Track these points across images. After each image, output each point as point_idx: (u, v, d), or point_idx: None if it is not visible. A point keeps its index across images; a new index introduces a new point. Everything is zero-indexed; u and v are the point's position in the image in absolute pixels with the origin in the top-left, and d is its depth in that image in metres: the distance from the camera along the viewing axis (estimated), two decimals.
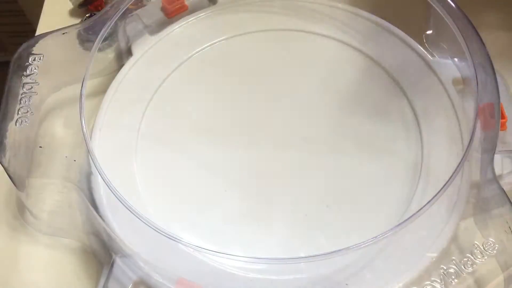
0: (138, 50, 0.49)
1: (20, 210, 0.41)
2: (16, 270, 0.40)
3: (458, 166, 0.37)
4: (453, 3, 0.44)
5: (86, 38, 0.46)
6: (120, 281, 0.36)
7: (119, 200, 0.35)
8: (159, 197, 0.40)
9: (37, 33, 0.53)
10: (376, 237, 0.34)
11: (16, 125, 0.39)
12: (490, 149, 0.40)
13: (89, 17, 0.53)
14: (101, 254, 0.39)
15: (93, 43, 0.43)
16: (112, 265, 0.36)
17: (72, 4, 0.55)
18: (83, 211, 0.38)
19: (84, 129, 0.37)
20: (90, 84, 0.48)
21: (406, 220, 0.35)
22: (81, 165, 0.40)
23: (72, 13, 0.55)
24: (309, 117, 0.45)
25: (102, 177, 0.36)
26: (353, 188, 0.41)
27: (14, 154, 0.38)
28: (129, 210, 0.34)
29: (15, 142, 0.39)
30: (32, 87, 0.41)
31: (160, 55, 0.49)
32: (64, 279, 0.39)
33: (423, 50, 0.48)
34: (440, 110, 0.44)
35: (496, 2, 0.54)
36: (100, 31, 0.44)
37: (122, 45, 0.50)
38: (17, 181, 0.38)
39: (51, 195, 0.39)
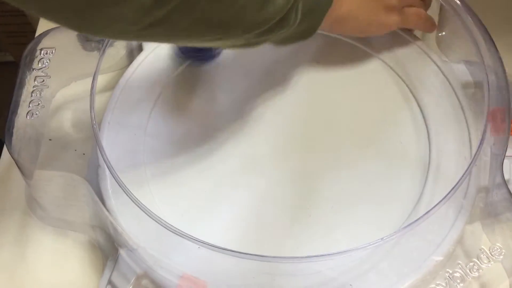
0: (149, 45, 0.49)
1: (29, 203, 0.42)
2: (24, 261, 0.40)
3: (466, 171, 0.37)
4: (465, 6, 0.43)
5: (86, 38, 0.46)
6: (124, 274, 0.36)
7: (126, 194, 0.35)
8: (167, 192, 0.40)
9: (37, 33, 0.53)
10: (380, 239, 0.34)
11: (27, 117, 0.40)
12: (499, 154, 0.39)
13: None
14: (107, 247, 0.39)
15: (93, 43, 0.44)
16: (117, 258, 0.37)
17: None
18: (90, 204, 0.38)
19: (94, 123, 0.38)
20: (101, 79, 0.48)
21: (410, 224, 0.35)
22: (90, 159, 0.40)
23: None
24: (318, 116, 0.45)
25: (109, 170, 0.36)
26: (360, 189, 0.41)
27: (24, 146, 0.39)
28: (135, 203, 0.35)
29: (25, 134, 0.39)
30: (43, 80, 0.41)
31: (171, 50, 0.49)
32: (70, 271, 0.39)
33: (435, 53, 0.48)
34: (449, 113, 0.44)
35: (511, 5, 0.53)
36: None
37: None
38: (26, 173, 0.38)
39: (59, 188, 0.40)
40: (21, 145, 0.38)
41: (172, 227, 0.33)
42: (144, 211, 0.34)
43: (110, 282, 0.36)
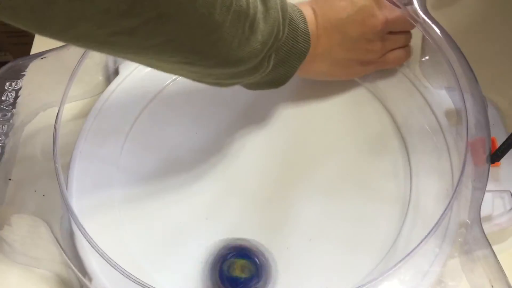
0: (125, 69, 0.48)
1: None
2: None
3: (445, 210, 0.36)
4: (443, 33, 0.42)
5: None
6: None
7: (89, 242, 0.34)
8: (137, 230, 0.39)
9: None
10: None
11: None
12: (480, 188, 0.38)
13: None
14: (74, 284, 0.38)
15: None
16: None
17: None
18: (55, 243, 0.37)
19: (57, 164, 0.36)
20: (76, 105, 0.47)
21: (385, 272, 0.34)
22: (51, 199, 0.39)
23: None
24: (296, 146, 0.44)
25: (73, 219, 0.35)
26: (338, 227, 0.39)
27: None
28: (100, 255, 0.33)
29: None
30: (6, 114, 0.40)
31: (146, 75, 0.48)
32: None
33: (418, 79, 0.46)
34: (431, 143, 0.43)
35: (490, 32, 0.52)
36: None
37: (110, 65, 0.50)
38: None
39: (23, 228, 0.38)
40: None
41: (135, 278, 0.32)
42: (108, 262, 0.32)
43: None
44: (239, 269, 0.37)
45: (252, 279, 0.36)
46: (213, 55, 0.32)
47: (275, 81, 0.39)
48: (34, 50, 0.49)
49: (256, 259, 0.37)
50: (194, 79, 0.37)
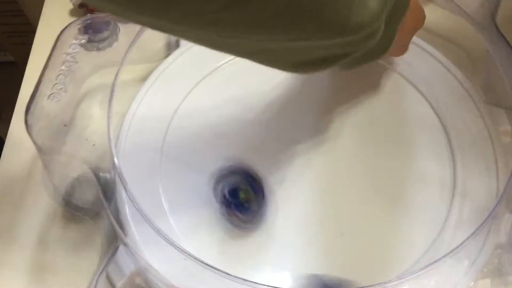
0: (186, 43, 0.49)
1: (43, 179, 0.42)
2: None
3: (482, 223, 0.35)
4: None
5: (88, 39, 0.45)
6: (120, 268, 0.36)
7: (136, 207, 0.35)
8: (178, 205, 0.40)
9: (37, 33, 0.53)
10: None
11: (48, 99, 0.40)
12: None
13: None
14: (109, 235, 0.39)
15: (94, 44, 0.44)
16: (115, 251, 0.37)
17: (73, 4, 0.54)
18: (97, 193, 0.38)
19: (109, 120, 0.38)
20: (138, 68, 0.48)
21: (415, 273, 0.33)
22: (99, 149, 0.41)
23: (72, 12, 0.54)
24: (342, 138, 0.44)
25: (125, 189, 0.37)
26: (374, 224, 0.39)
27: (43, 127, 0.39)
28: (143, 217, 0.35)
29: (45, 116, 0.39)
30: (70, 66, 0.42)
31: (205, 51, 0.49)
32: (76, 251, 0.40)
33: (476, 93, 0.45)
34: (481, 162, 0.42)
35: None
36: None
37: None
38: (42, 154, 0.39)
39: (68, 173, 0.40)
40: (38, 125, 0.39)
41: (175, 244, 0.33)
42: (149, 223, 0.34)
43: (105, 272, 0.36)
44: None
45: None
46: (332, 15, 0.28)
47: (382, 46, 0.36)
48: (34, 49, 0.51)
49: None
50: (295, 65, 0.34)
